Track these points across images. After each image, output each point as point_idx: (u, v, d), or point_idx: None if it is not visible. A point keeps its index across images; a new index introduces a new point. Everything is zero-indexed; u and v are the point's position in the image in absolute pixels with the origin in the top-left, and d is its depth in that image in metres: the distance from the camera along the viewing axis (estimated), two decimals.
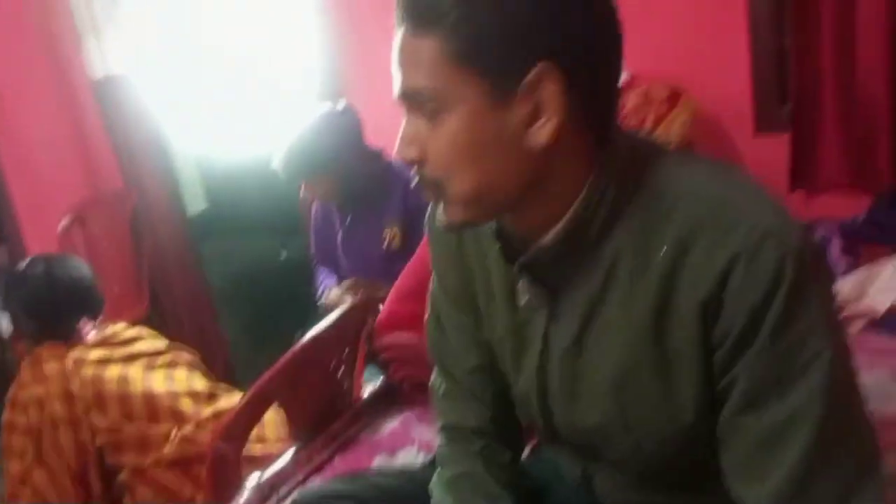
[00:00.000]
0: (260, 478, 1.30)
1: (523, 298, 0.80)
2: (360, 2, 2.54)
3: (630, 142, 0.72)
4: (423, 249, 1.55)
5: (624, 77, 2.31)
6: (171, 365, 1.75)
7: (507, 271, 0.80)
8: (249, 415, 1.33)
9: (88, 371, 1.63)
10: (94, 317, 1.76)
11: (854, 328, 1.56)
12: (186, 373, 1.76)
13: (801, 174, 2.08)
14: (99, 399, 1.62)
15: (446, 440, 1.00)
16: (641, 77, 2.18)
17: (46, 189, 3.13)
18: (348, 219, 2.14)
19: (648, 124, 1.92)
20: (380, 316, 1.53)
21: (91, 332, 1.73)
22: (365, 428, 1.48)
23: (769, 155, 2.12)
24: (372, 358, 1.57)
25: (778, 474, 0.66)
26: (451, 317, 0.96)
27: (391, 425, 1.48)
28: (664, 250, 0.67)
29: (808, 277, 0.63)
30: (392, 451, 1.41)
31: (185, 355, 1.84)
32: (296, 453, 1.37)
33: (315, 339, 1.42)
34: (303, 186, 2.14)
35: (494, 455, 0.96)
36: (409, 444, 1.42)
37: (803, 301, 0.63)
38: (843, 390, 0.66)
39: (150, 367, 1.72)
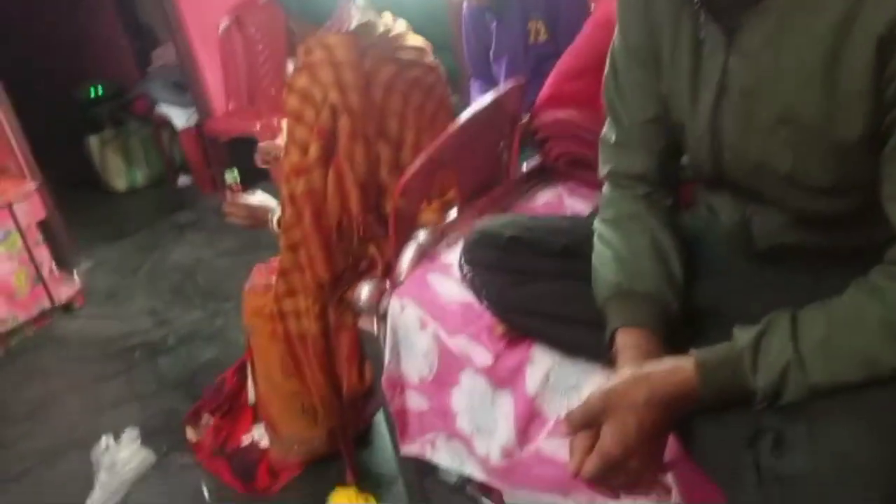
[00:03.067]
0: (432, 227, 1.48)
1: (705, 39, 0.87)
2: None
3: None
4: (590, 30, 1.58)
5: None
6: (434, 120, 1.57)
7: (694, 17, 0.87)
8: (423, 175, 1.49)
9: (378, 92, 1.46)
10: None
11: None
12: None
13: None
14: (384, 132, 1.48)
15: (611, 185, 1.11)
16: None
17: None
18: (496, 23, 2.16)
19: None
20: (541, 95, 1.59)
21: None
22: (520, 197, 1.59)
23: None
24: (528, 137, 1.64)
25: None
26: (630, 71, 1.04)
27: (545, 196, 1.58)
28: None
29: None
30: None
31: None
32: (461, 210, 1.53)
33: (478, 113, 1.51)
34: None
35: (657, 199, 1.07)
36: (563, 212, 1.52)
37: None
38: None
39: (421, 113, 1.55)
